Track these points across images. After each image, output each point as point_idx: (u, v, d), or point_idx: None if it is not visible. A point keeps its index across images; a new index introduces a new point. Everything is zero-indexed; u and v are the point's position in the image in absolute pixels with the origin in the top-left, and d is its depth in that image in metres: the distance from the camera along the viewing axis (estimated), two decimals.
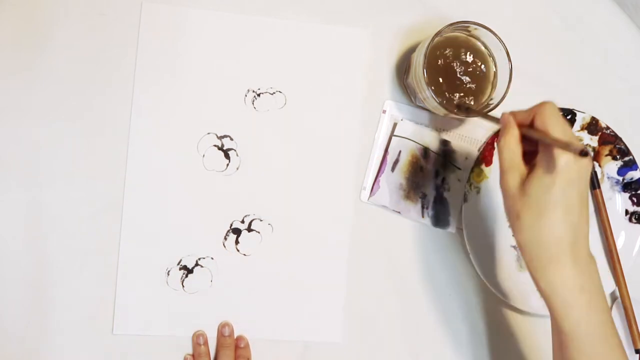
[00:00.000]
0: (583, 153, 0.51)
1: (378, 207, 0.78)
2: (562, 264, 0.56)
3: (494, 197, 0.79)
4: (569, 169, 0.55)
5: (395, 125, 0.78)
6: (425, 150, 0.78)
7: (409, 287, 0.79)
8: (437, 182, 0.79)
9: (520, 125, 0.59)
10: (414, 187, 0.78)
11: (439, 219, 0.79)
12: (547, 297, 0.57)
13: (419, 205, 0.78)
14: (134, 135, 0.74)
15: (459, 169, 0.79)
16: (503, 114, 0.60)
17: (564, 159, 0.54)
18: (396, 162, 0.78)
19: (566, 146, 0.53)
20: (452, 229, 0.79)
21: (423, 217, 0.79)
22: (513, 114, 0.60)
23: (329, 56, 0.78)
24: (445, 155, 0.79)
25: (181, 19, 0.75)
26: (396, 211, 0.78)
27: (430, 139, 0.79)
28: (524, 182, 0.57)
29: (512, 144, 0.58)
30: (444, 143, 0.79)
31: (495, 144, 0.60)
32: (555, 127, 0.55)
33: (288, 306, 0.76)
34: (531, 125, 0.58)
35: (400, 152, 0.78)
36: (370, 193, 0.78)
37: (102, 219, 0.73)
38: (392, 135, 0.78)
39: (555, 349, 0.60)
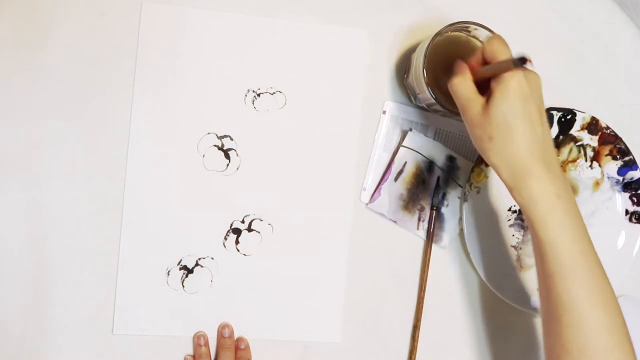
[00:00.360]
0: (521, 60, 0.56)
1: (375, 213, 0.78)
2: (537, 173, 0.59)
3: (494, 197, 0.79)
4: (521, 87, 0.59)
5: (404, 136, 0.78)
6: (430, 164, 0.78)
7: (408, 287, 0.79)
8: (437, 197, 0.78)
9: (474, 69, 0.63)
10: (414, 199, 0.78)
11: (433, 234, 0.79)
12: (527, 207, 0.60)
13: (415, 217, 0.78)
14: (134, 135, 0.74)
15: (461, 186, 0.79)
16: (457, 62, 0.64)
17: (515, 79, 0.59)
18: (400, 172, 0.78)
19: (510, 62, 0.58)
20: (444, 244, 0.79)
21: (418, 229, 0.79)
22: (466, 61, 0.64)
23: (329, 56, 0.78)
24: (450, 171, 0.79)
25: (181, 19, 0.75)
26: (393, 220, 0.78)
27: (438, 153, 0.79)
28: (485, 109, 0.60)
29: (464, 82, 0.62)
30: (450, 159, 0.79)
31: (449, 87, 0.65)
32: (502, 54, 0.61)
33: (288, 306, 0.76)
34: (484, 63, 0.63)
35: (405, 162, 0.78)
36: (370, 200, 0.78)
37: (102, 219, 0.73)
38: (400, 145, 0.78)
39: (537, 266, 0.62)
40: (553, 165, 0.60)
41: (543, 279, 0.61)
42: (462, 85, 0.62)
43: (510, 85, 0.59)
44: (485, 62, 0.63)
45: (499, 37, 0.63)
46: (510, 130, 0.59)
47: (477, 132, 0.62)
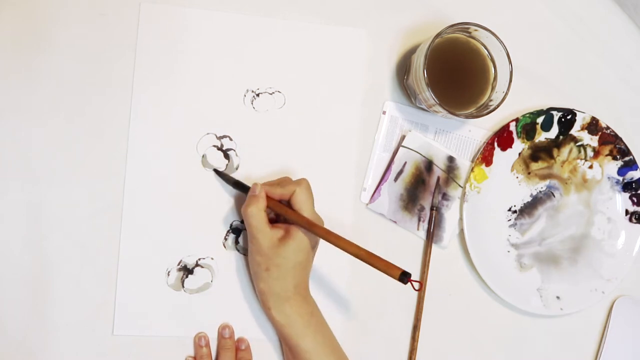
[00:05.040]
0: (404, 275, 0.63)
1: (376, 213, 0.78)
2: (295, 300, 0.70)
3: (494, 197, 0.79)
4: (311, 240, 0.70)
5: (404, 136, 0.78)
6: (430, 164, 0.78)
7: (409, 287, 0.78)
8: (437, 197, 0.78)
9: (270, 198, 0.70)
10: (413, 199, 0.78)
11: (433, 234, 0.79)
12: (284, 326, 0.71)
13: (415, 217, 0.78)
14: (134, 135, 0.74)
15: (461, 187, 0.79)
16: (254, 185, 0.71)
17: (300, 233, 0.69)
18: (400, 172, 0.78)
19: (309, 225, 0.68)
20: (444, 244, 0.79)
21: (418, 229, 0.79)
22: (266, 187, 0.70)
23: (328, 56, 0.78)
24: (450, 172, 0.79)
25: (180, 18, 0.75)
26: (393, 221, 0.78)
27: (437, 153, 0.79)
28: (276, 246, 0.69)
29: (257, 213, 0.69)
30: (450, 159, 0.79)
31: (242, 210, 0.70)
32: (306, 210, 0.69)
33: None
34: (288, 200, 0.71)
35: (405, 163, 0.78)
36: (371, 200, 0.78)
37: (102, 219, 0.73)
38: (400, 145, 0.78)
39: None
40: (307, 293, 0.72)
41: None
42: (255, 217, 0.69)
43: (304, 241, 0.69)
44: (286, 200, 0.71)
45: (307, 189, 0.70)
46: (288, 272, 0.69)
47: (258, 258, 0.70)
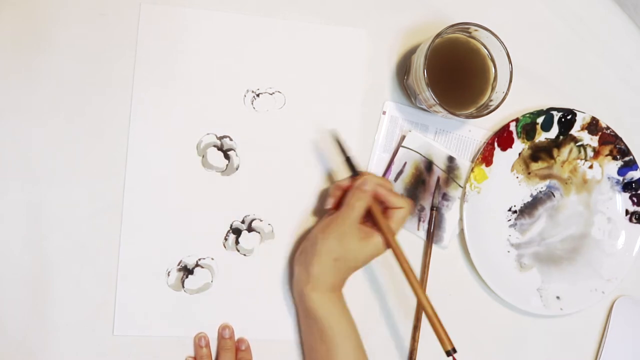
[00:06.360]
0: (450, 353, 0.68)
1: None
2: (339, 294, 0.72)
3: (494, 197, 0.79)
4: (376, 247, 0.70)
5: (404, 136, 0.78)
6: (430, 164, 0.78)
7: (408, 287, 0.79)
8: (437, 197, 0.78)
9: (374, 197, 0.71)
10: (413, 199, 0.78)
11: (433, 234, 0.79)
12: (317, 309, 0.70)
13: (415, 218, 0.78)
14: (134, 136, 0.74)
15: (461, 187, 0.79)
16: (366, 179, 0.70)
17: (379, 240, 0.70)
18: (400, 172, 0.78)
19: (391, 243, 0.70)
20: (444, 244, 0.79)
21: (418, 229, 0.79)
22: (375, 185, 0.70)
23: (328, 56, 0.78)
24: (450, 172, 0.79)
25: (180, 18, 0.75)
26: None
27: (437, 154, 0.79)
28: (362, 238, 0.69)
29: (358, 210, 0.69)
30: (450, 159, 0.79)
31: (346, 199, 0.71)
32: (395, 229, 0.70)
33: (288, 306, 0.76)
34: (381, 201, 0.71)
35: (405, 163, 0.78)
36: None
37: (102, 219, 0.73)
38: (400, 145, 0.78)
39: (322, 353, 0.71)
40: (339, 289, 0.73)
41: None
42: (356, 211, 0.69)
43: (377, 249, 0.70)
44: (382, 203, 0.71)
45: (409, 213, 0.71)
46: (349, 269, 0.71)
47: (333, 246, 0.69)
